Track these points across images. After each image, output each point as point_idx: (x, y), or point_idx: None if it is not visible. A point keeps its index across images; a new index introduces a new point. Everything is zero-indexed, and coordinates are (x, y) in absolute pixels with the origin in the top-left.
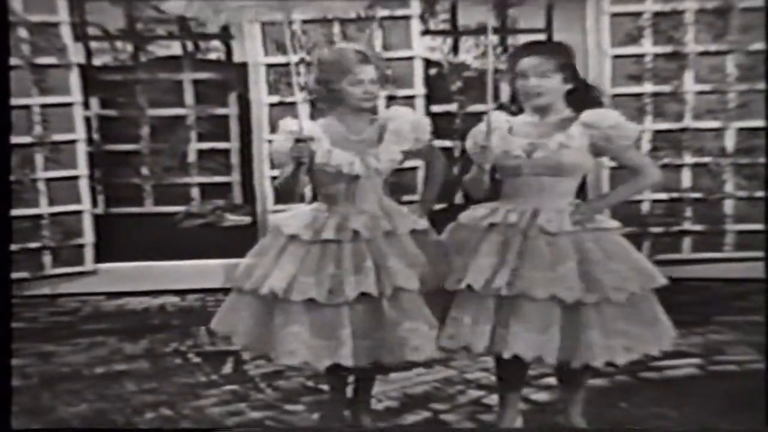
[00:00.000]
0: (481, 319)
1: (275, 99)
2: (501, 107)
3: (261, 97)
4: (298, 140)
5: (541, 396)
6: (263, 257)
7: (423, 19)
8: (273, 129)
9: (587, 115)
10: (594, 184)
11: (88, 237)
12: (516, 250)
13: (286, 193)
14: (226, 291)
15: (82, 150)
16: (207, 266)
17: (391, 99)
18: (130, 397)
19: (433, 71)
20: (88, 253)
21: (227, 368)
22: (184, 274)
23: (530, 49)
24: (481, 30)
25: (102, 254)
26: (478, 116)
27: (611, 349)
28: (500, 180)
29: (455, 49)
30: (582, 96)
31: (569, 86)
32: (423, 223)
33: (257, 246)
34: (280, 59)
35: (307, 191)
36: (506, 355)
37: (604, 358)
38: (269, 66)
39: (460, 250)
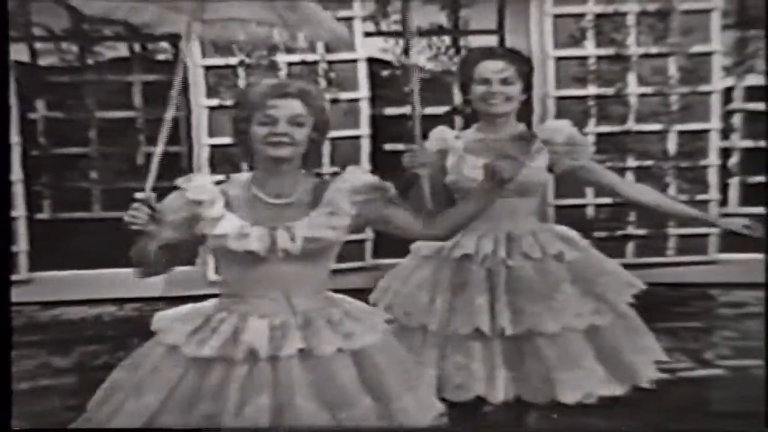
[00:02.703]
0: (494, 364)
1: (215, 102)
2: (455, 110)
3: (200, 100)
4: (135, 200)
5: None
6: (132, 373)
7: (374, 20)
8: (212, 133)
9: (541, 130)
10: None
11: (23, 245)
12: (504, 282)
13: (142, 270)
14: (165, 299)
15: (16, 154)
16: None
17: (334, 102)
18: (53, 414)
19: (385, 73)
20: (23, 261)
21: None
22: (124, 282)
23: (490, 53)
24: (432, 31)
25: (44, 261)
26: (432, 119)
27: (643, 365)
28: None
29: (407, 50)
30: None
31: (524, 97)
32: (371, 338)
33: (133, 355)
34: (219, 61)
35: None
36: (544, 401)
37: (647, 375)
38: (207, 68)
39: (436, 288)
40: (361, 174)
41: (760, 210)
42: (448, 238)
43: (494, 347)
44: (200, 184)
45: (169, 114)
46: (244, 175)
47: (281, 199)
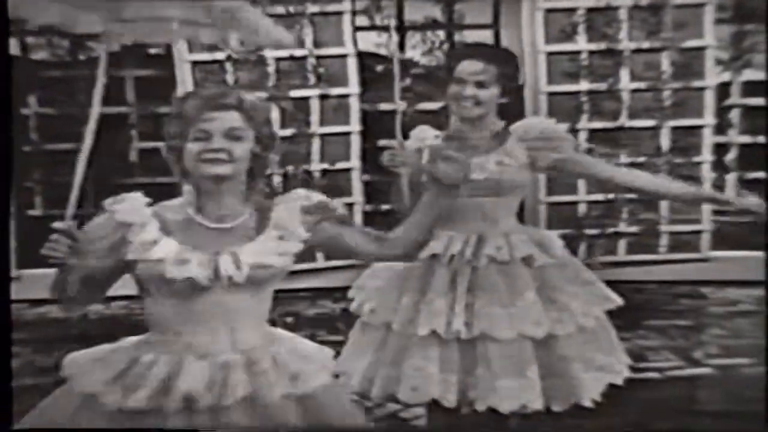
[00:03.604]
0: (449, 368)
1: None
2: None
3: None
4: (55, 230)
5: None
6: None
7: (368, 14)
8: None
9: (517, 127)
10: (531, 191)
11: (11, 241)
12: (466, 284)
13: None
14: None
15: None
16: None
17: (323, 98)
18: (25, 417)
19: (380, 68)
20: (11, 258)
21: None
22: None
23: (473, 51)
24: (427, 25)
25: (35, 258)
26: (426, 114)
27: (590, 383)
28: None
29: (401, 45)
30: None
31: (504, 100)
32: (320, 379)
33: (40, 406)
34: (206, 57)
35: None
36: (480, 407)
37: (590, 394)
38: (194, 63)
39: (405, 286)
40: (310, 194)
41: None
42: (411, 256)
43: (451, 350)
44: (131, 205)
45: (94, 113)
46: (179, 198)
47: (223, 224)
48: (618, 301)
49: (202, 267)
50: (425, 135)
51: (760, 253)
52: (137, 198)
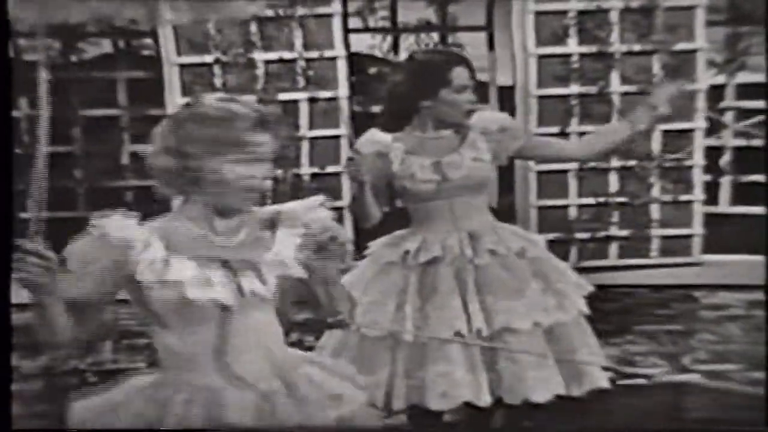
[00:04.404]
0: (476, 368)
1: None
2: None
3: (176, 99)
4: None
5: None
6: None
7: (361, 16)
8: None
9: (476, 122)
10: (522, 194)
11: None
12: (473, 282)
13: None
14: None
15: None
16: None
17: (313, 101)
18: (15, 422)
19: (373, 70)
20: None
21: None
22: None
23: (460, 58)
24: (420, 27)
25: None
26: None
27: (595, 367)
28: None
29: (395, 47)
30: None
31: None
32: (362, 397)
33: None
34: (194, 59)
35: None
36: (516, 401)
37: (600, 377)
38: (182, 66)
39: (404, 293)
40: (325, 220)
41: (756, 210)
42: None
43: (473, 350)
44: (124, 222)
45: (44, 120)
46: (172, 213)
47: (231, 238)
48: (590, 286)
49: (225, 287)
50: (380, 139)
51: (752, 257)
52: (127, 215)
